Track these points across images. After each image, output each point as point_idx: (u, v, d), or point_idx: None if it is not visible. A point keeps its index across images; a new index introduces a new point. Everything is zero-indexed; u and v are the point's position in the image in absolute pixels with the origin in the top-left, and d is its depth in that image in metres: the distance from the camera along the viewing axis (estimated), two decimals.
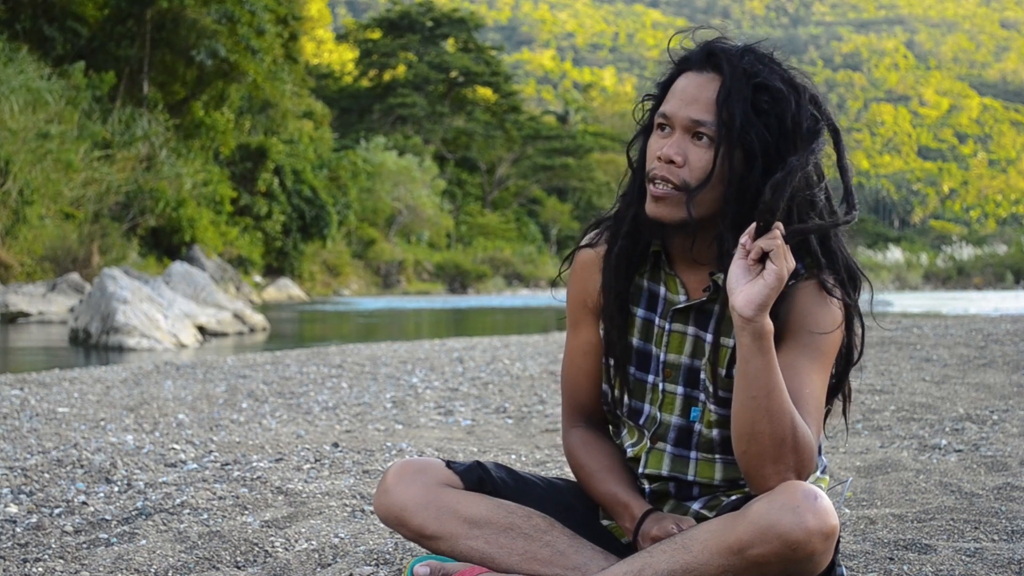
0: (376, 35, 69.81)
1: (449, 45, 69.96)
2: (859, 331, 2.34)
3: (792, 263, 2.13)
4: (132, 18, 37.34)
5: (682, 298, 2.37)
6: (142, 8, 36.72)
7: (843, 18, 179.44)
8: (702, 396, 2.35)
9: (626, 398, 2.45)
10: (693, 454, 2.38)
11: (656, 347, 2.40)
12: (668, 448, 2.39)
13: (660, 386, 2.40)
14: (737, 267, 2.14)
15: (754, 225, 2.14)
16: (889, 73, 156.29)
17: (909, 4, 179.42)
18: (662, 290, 2.40)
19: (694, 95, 2.24)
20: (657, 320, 2.41)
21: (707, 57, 2.26)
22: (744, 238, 2.14)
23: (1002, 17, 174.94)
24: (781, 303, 2.22)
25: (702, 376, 2.35)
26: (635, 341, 2.43)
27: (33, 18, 35.18)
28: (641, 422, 2.43)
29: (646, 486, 2.43)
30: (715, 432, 2.34)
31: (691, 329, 2.36)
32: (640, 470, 2.43)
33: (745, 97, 2.20)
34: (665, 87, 2.32)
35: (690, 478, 2.38)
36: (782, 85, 2.22)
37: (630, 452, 2.46)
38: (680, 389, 2.38)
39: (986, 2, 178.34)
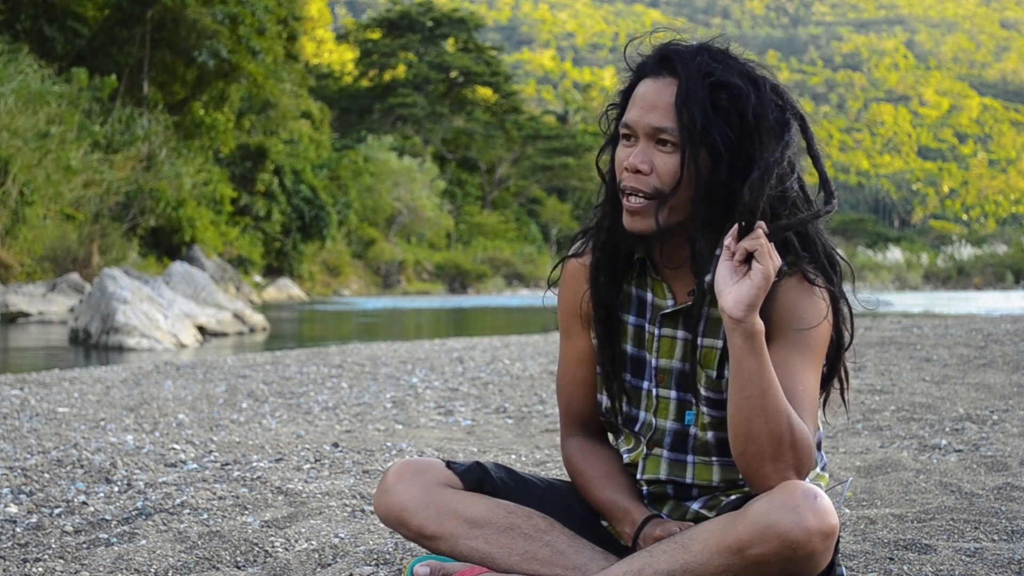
0: (376, 35, 69.81)
1: (449, 45, 69.95)
2: (847, 316, 2.34)
3: (778, 261, 2.13)
4: (132, 18, 37.34)
5: (669, 302, 2.37)
6: (143, 8, 36.72)
7: (843, 18, 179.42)
8: (695, 399, 2.35)
9: (623, 406, 2.44)
10: (690, 458, 2.38)
11: (648, 353, 2.40)
12: (665, 453, 2.39)
13: (654, 392, 2.39)
14: (723, 269, 2.14)
15: (736, 226, 2.14)
16: (889, 73, 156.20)
17: (909, 4, 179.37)
18: (649, 296, 2.40)
19: (653, 101, 2.24)
20: (647, 326, 2.41)
21: (661, 61, 2.26)
22: (728, 240, 2.14)
23: (1002, 17, 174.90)
24: (767, 301, 2.21)
25: (693, 378, 2.35)
26: (629, 348, 2.43)
27: (33, 18, 35.18)
28: (637, 429, 2.43)
29: (645, 488, 2.44)
30: (710, 435, 2.34)
31: (680, 333, 2.36)
32: (638, 475, 2.43)
33: (703, 97, 2.19)
34: (626, 95, 2.32)
35: (688, 481, 2.38)
36: (739, 80, 2.21)
37: (627, 458, 2.46)
38: (673, 394, 2.38)
39: (986, 2, 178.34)
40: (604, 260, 2.40)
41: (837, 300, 2.29)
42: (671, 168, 2.22)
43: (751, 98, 2.21)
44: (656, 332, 2.38)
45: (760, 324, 2.12)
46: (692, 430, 2.36)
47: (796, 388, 2.18)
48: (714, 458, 2.35)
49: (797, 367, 2.20)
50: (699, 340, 2.33)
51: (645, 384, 2.41)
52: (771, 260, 2.11)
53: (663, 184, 2.23)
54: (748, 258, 2.12)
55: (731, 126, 2.20)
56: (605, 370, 2.46)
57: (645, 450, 2.41)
